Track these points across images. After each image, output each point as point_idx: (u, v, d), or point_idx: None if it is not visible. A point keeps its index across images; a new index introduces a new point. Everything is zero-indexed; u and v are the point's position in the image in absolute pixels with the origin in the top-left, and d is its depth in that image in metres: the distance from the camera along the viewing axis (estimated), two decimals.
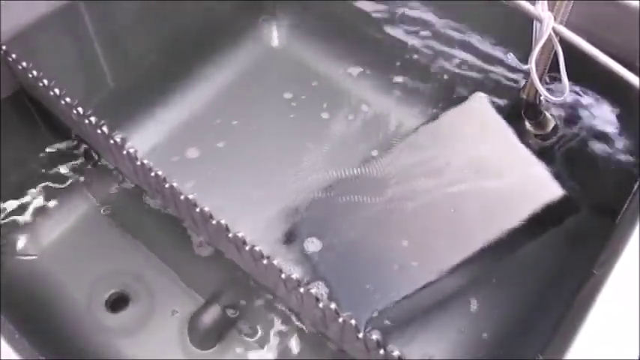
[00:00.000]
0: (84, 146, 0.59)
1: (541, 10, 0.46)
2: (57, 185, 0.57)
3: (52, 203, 0.57)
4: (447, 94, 0.63)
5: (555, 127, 0.57)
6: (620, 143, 0.56)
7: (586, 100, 0.57)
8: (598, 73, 0.44)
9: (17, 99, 0.54)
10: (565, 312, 0.43)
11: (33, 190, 0.57)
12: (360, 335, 0.36)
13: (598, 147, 0.57)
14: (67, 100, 0.47)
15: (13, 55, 0.49)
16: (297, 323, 0.51)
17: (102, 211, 0.57)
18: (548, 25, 0.46)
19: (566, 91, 0.49)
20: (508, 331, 0.51)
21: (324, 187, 0.58)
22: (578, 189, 0.55)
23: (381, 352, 0.35)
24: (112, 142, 0.45)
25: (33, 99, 0.55)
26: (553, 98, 0.51)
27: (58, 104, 0.48)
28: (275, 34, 0.71)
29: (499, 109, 0.58)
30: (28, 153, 0.57)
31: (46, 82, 0.47)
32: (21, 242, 0.55)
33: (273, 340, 0.50)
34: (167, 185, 0.43)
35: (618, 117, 0.56)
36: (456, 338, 0.50)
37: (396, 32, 0.65)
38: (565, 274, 0.53)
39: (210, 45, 0.68)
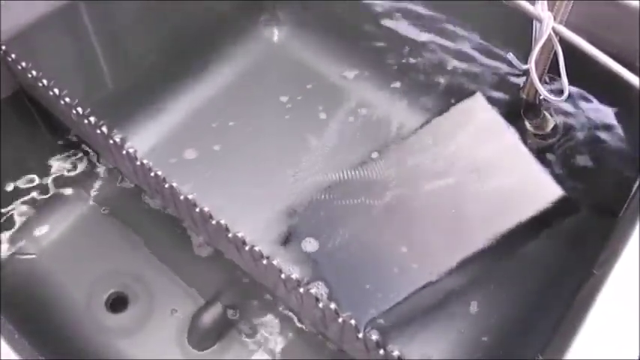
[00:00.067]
0: (83, 146, 0.59)
1: (541, 9, 0.46)
2: (56, 185, 0.57)
3: (51, 203, 0.57)
4: (447, 94, 0.63)
5: (555, 127, 0.57)
6: (620, 143, 0.56)
7: (586, 99, 0.57)
8: (598, 73, 0.44)
9: (17, 99, 0.54)
10: (565, 312, 0.43)
11: (32, 190, 0.57)
12: (360, 335, 0.36)
13: (598, 147, 0.57)
14: (67, 100, 0.47)
15: (13, 55, 0.49)
16: (297, 323, 0.51)
17: (101, 210, 0.57)
18: (548, 24, 0.46)
19: (566, 91, 0.49)
20: (508, 332, 0.51)
21: (325, 188, 0.58)
22: (578, 189, 0.55)
23: (381, 352, 0.35)
24: (111, 142, 0.45)
25: (32, 99, 0.55)
26: (553, 98, 0.51)
27: (58, 104, 0.48)
28: (275, 34, 0.71)
29: (499, 109, 0.58)
30: (28, 153, 0.57)
31: (45, 82, 0.47)
32: (21, 242, 0.55)
33: (273, 340, 0.50)
34: (167, 185, 0.43)
35: (618, 117, 0.56)
36: (455, 338, 0.50)
37: (395, 32, 0.65)
38: (565, 274, 0.53)
39: (210, 45, 0.68)
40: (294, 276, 0.39)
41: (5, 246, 0.54)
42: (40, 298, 0.52)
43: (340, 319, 0.37)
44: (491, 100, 0.60)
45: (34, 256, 0.54)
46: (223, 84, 0.67)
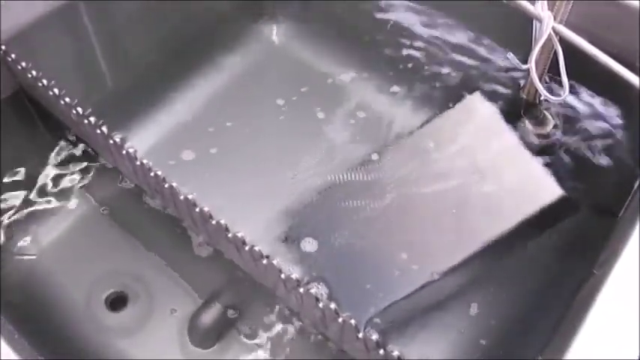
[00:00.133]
0: (83, 146, 0.59)
1: (541, 9, 0.46)
2: (56, 185, 0.57)
3: (51, 203, 0.57)
4: (447, 94, 0.63)
5: (555, 127, 0.57)
6: (620, 143, 0.56)
7: (586, 99, 0.57)
8: (598, 73, 0.44)
9: (17, 99, 0.54)
10: (565, 312, 0.43)
11: (32, 190, 0.57)
12: (360, 335, 0.36)
13: (598, 147, 0.57)
14: (67, 100, 0.47)
15: (13, 55, 0.49)
16: (297, 323, 0.51)
17: (101, 210, 0.57)
18: (547, 24, 0.46)
19: (566, 90, 0.49)
20: (508, 332, 0.50)
21: (325, 189, 0.58)
22: (578, 189, 0.55)
23: (381, 352, 0.35)
24: (111, 141, 0.45)
25: (32, 99, 0.55)
26: (553, 98, 0.51)
27: (58, 104, 0.48)
28: (275, 35, 0.71)
29: (499, 109, 0.58)
30: (28, 153, 0.57)
31: (45, 82, 0.47)
32: (20, 242, 0.55)
33: (273, 340, 0.50)
34: (166, 185, 0.43)
35: (618, 117, 0.56)
36: (455, 339, 0.50)
37: (395, 32, 0.65)
38: (565, 274, 0.53)
39: (209, 45, 0.68)
40: (294, 276, 0.39)
41: (5, 246, 0.54)
42: (40, 298, 0.52)
43: (340, 319, 0.37)
44: (491, 100, 0.60)
45: (34, 256, 0.54)
46: (222, 84, 0.67)
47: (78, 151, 0.59)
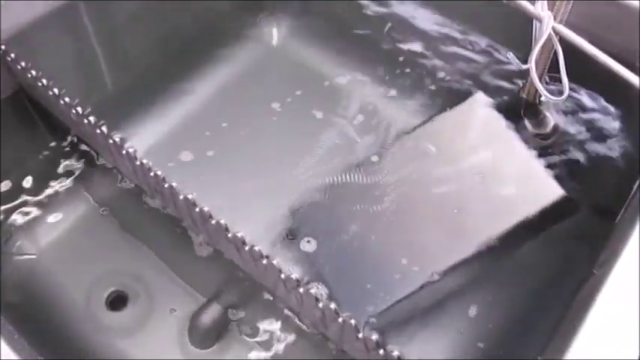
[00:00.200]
0: (83, 146, 0.59)
1: (541, 9, 0.46)
2: (56, 185, 0.57)
3: (50, 203, 0.57)
4: (447, 95, 0.63)
5: (555, 127, 0.57)
6: (620, 143, 0.56)
7: (586, 99, 0.57)
8: (598, 73, 0.44)
9: (16, 99, 0.54)
10: (565, 312, 0.43)
11: (32, 190, 0.56)
12: (360, 335, 0.36)
13: (598, 147, 0.57)
14: (66, 99, 0.47)
15: (12, 55, 0.49)
16: (297, 323, 0.51)
17: (101, 210, 0.57)
18: (547, 24, 0.46)
19: (566, 90, 0.49)
20: (508, 332, 0.51)
21: (325, 189, 0.58)
22: (578, 189, 0.55)
23: (381, 352, 0.35)
24: (111, 141, 0.45)
25: (32, 99, 0.55)
26: (553, 98, 0.51)
27: (57, 104, 0.48)
28: (274, 35, 0.71)
29: (499, 109, 0.58)
30: (28, 153, 0.57)
31: (45, 81, 0.47)
32: (20, 242, 0.55)
33: (273, 340, 0.50)
34: (166, 185, 0.43)
35: (618, 117, 0.56)
36: (455, 339, 0.50)
37: (395, 32, 0.65)
38: (565, 274, 0.53)
39: (209, 45, 0.68)
40: (294, 276, 0.39)
41: (5, 246, 0.54)
42: (40, 298, 0.52)
43: (340, 319, 0.37)
44: (491, 100, 0.60)
45: (34, 256, 0.54)
46: (222, 84, 0.67)
47: (78, 151, 0.59)
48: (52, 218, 0.56)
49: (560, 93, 0.49)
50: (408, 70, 0.65)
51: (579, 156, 0.57)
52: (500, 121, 0.57)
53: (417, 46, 0.65)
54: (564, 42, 0.46)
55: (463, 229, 0.53)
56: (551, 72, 0.53)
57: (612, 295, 0.36)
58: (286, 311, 0.51)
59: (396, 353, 0.35)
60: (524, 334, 0.50)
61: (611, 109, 0.56)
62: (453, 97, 0.62)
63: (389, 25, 0.65)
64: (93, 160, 0.59)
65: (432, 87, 0.64)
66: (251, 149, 0.61)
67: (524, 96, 0.58)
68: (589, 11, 0.50)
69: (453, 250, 0.52)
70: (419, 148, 0.58)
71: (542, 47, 0.49)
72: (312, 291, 0.38)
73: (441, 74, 0.64)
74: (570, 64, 0.48)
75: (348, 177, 0.58)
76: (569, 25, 0.46)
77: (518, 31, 0.50)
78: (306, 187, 0.58)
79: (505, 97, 0.60)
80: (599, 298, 0.36)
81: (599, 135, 0.56)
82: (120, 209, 0.57)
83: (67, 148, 0.59)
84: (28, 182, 0.57)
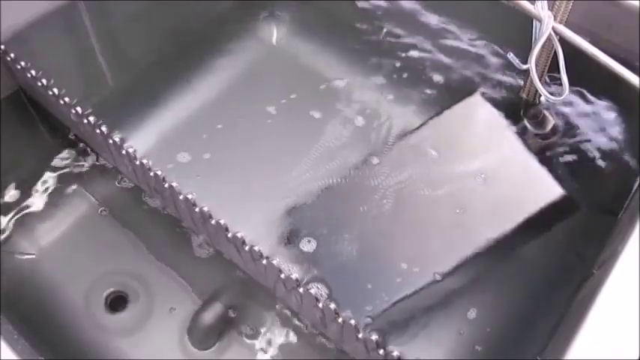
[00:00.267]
0: (82, 146, 0.59)
1: (541, 9, 0.46)
2: (55, 185, 0.57)
3: (50, 203, 0.57)
4: (447, 95, 0.63)
5: (555, 127, 0.57)
6: (620, 143, 0.56)
7: (586, 99, 0.57)
8: (598, 73, 0.44)
9: (16, 99, 0.54)
10: (565, 312, 0.43)
11: (32, 190, 0.56)
12: (360, 335, 0.36)
13: (598, 146, 0.57)
14: (66, 99, 0.47)
15: (12, 55, 0.49)
16: (297, 323, 0.51)
17: (100, 210, 0.57)
18: (548, 24, 0.46)
19: (566, 90, 0.49)
20: (508, 332, 0.50)
21: (325, 190, 0.58)
22: (578, 189, 0.55)
23: (381, 352, 0.35)
24: (110, 141, 0.45)
25: (32, 99, 0.55)
26: (553, 98, 0.51)
27: (57, 104, 0.48)
28: (274, 35, 0.71)
29: (499, 109, 0.58)
30: (27, 152, 0.57)
31: (44, 81, 0.47)
32: (20, 242, 0.55)
33: (273, 340, 0.50)
34: (166, 185, 0.43)
35: (618, 116, 0.56)
36: (455, 339, 0.50)
37: (395, 33, 0.65)
38: (565, 274, 0.53)
39: (209, 45, 0.68)
40: (294, 276, 0.39)
41: (5, 246, 0.54)
42: (39, 298, 0.52)
43: (340, 319, 0.37)
44: (491, 100, 0.60)
45: (33, 256, 0.54)
46: (222, 84, 0.67)
47: (77, 150, 0.59)
48: (51, 218, 0.56)
49: (560, 93, 0.49)
50: (407, 70, 0.65)
51: (579, 156, 0.57)
52: (499, 121, 0.57)
53: (416, 47, 0.65)
54: (564, 42, 0.46)
55: (464, 230, 0.53)
56: (551, 72, 0.53)
57: (612, 295, 0.36)
58: (286, 311, 0.51)
59: (395, 353, 0.35)
60: (525, 334, 0.50)
61: (611, 109, 0.56)
62: (452, 98, 0.62)
63: (389, 25, 0.65)
64: (92, 160, 0.59)
65: (432, 87, 0.64)
66: (251, 149, 0.61)
67: (524, 96, 0.58)
68: (589, 11, 0.50)
69: (453, 249, 0.52)
70: (419, 149, 0.58)
71: (542, 47, 0.49)
72: (312, 291, 0.38)
73: (441, 75, 0.64)
74: (570, 64, 0.48)
75: (348, 177, 0.58)
76: (569, 25, 0.46)
77: (518, 31, 0.50)
78: (307, 188, 0.58)
79: (505, 97, 0.60)
80: (599, 298, 0.36)
81: (599, 135, 0.56)
82: (120, 209, 0.57)
83: (67, 148, 0.59)
84: (27, 182, 0.57)
